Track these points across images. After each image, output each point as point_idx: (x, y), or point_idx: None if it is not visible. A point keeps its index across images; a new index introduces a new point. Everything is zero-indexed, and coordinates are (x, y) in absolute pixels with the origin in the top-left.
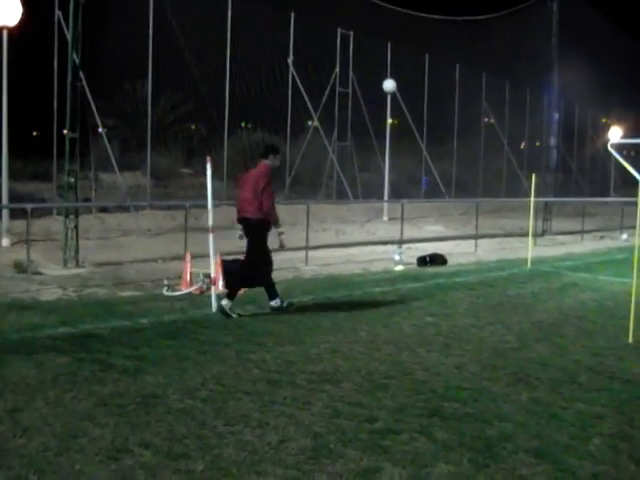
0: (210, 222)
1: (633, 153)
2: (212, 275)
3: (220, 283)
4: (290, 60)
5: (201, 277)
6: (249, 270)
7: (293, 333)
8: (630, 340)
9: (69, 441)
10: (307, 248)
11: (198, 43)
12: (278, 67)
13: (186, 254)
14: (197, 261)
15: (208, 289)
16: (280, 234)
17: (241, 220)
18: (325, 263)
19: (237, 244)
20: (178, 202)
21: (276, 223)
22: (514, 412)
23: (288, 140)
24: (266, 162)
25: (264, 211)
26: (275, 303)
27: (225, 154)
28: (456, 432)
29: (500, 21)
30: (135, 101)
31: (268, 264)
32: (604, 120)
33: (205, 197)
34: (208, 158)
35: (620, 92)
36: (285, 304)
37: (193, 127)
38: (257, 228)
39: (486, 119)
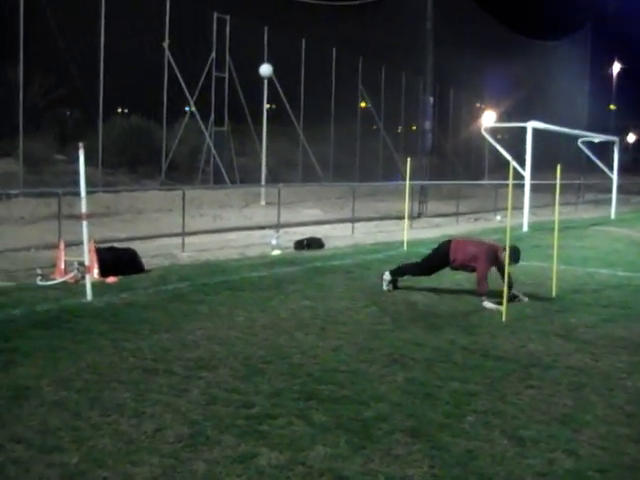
0: (83, 209)
1: (506, 136)
2: (86, 263)
3: (95, 271)
4: (166, 44)
5: (75, 265)
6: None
7: (169, 320)
8: (504, 319)
9: None
10: (184, 234)
11: (71, 25)
12: (154, 51)
13: (60, 242)
14: (71, 249)
15: (83, 277)
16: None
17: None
18: (202, 249)
19: (112, 232)
20: (51, 189)
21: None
22: (390, 392)
23: (164, 125)
24: (502, 250)
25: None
26: (386, 276)
27: (100, 140)
28: (333, 414)
29: (377, 5)
30: (6, 85)
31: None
32: (478, 104)
33: (79, 184)
34: (81, 144)
35: (493, 77)
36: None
37: (68, 113)
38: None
39: (363, 103)
